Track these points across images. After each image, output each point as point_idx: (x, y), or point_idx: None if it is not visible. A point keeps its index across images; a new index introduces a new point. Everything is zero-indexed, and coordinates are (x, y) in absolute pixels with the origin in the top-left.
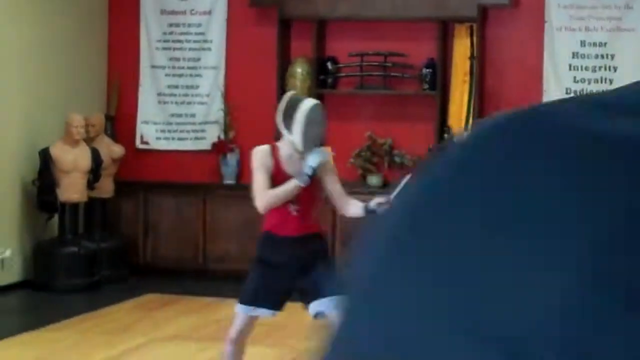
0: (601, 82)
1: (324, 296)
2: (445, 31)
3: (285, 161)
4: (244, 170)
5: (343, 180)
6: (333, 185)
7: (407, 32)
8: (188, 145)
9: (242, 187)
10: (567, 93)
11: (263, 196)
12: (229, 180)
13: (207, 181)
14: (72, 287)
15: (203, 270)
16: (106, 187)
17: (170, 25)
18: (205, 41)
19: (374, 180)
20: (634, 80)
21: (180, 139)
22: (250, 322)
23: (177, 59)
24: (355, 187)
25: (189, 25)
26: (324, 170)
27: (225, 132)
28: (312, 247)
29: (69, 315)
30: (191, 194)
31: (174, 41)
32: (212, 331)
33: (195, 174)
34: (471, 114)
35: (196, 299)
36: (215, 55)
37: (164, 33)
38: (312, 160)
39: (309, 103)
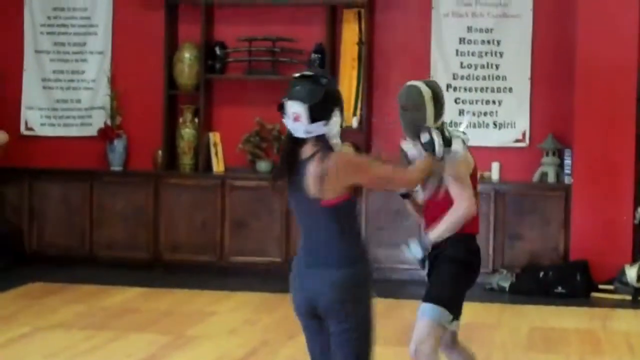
0: (487, 67)
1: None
2: (333, 16)
3: None
4: (131, 156)
5: (231, 166)
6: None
7: (296, 17)
8: (74, 132)
9: (129, 174)
10: (454, 78)
11: None
12: (116, 167)
13: (94, 168)
14: None
15: (90, 258)
16: None
17: (55, 9)
18: (91, 25)
19: (263, 165)
20: (519, 65)
21: (66, 125)
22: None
23: (62, 44)
24: (245, 172)
25: (74, 9)
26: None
27: (112, 118)
28: (435, 252)
29: None
30: (77, 180)
31: (58, 25)
32: (98, 319)
33: (81, 160)
34: (360, 99)
35: (82, 287)
36: (101, 40)
37: (49, 17)
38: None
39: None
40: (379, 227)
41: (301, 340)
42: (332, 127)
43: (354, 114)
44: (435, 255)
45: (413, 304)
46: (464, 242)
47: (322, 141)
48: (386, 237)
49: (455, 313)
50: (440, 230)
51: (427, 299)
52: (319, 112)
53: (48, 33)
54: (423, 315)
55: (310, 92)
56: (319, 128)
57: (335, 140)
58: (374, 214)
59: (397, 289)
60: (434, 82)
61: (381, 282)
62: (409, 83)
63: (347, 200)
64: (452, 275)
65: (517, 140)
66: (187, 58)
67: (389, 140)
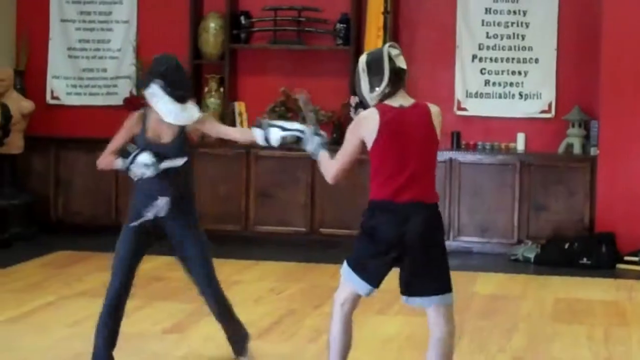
0: (513, 37)
1: None
2: None
3: None
4: None
5: None
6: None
7: None
8: (99, 101)
9: None
10: (480, 49)
11: None
12: None
13: None
14: None
15: (115, 227)
16: (16, 143)
17: None
18: None
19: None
20: (545, 36)
21: (91, 94)
22: None
23: (88, 13)
24: None
25: None
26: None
27: (137, 87)
28: None
29: None
30: (103, 149)
31: None
32: None
33: (107, 129)
34: None
35: (108, 255)
36: (126, 9)
37: None
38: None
39: None
40: None
41: (326, 311)
42: (149, 93)
43: None
44: None
45: None
46: (368, 208)
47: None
48: None
49: (364, 277)
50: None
51: None
52: (142, 85)
53: (74, 2)
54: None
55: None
56: (146, 94)
57: (154, 103)
58: None
59: None
60: (377, 50)
61: None
62: None
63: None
64: (357, 238)
65: (543, 111)
66: (212, 27)
67: None
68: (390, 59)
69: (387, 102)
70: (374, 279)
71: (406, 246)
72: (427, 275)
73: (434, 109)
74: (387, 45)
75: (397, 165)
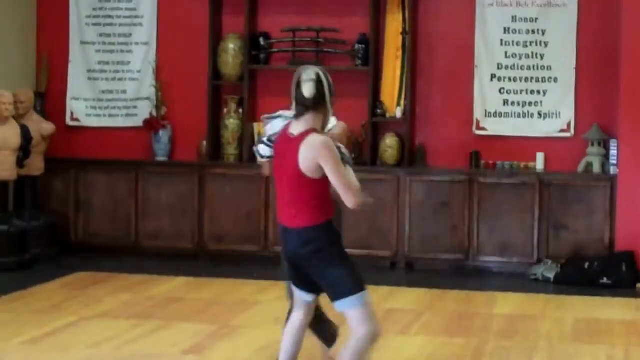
0: (532, 57)
1: None
2: (377, 6)
3: None
4: (176, 147)
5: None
6: None
7: (340, 8)
8: (119, 122)
9: (174, 165)
10: (498, 68)
11: None
12: (161, 157)
13: (139, 158)
14: (2, 266)
15: (136, 248)
16: (36, 165)
17: (101, 0)
18: (136, 17)
19: None
20: (564, 55)
21: (111, 115)
22: None
23: (108, 35)
24: None
25: (120, 0)
26: None
27: (157, 108)
28: None
29: None
30: (123, 171)
31: (104, 16)
32: (144, 309)
33: (127, 151)
34: (404, 89)
35: (128, 277)
36: (146, 31)
37: (94, 8)
38: None
39: None
40: (422, 217)
41: (345, 332)
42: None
43: (398, 104)
44: None
45: (455, 294)
46: None
47: None
48: (428, 228)
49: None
50: None
51: None
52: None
53: (94, 24)
54: None
55: None
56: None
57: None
58: (417, 205)
59: (439, 279)
60: (298, 70)
61: (422, 273)
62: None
63: None
64: None
65: (562, 131)
66: (231, 49)
67: (432, 128)
68: (299, 84)
69: (293, 124)
70: (306, 289)
71: (295, 263)
72: (324, 286)
73: (308, 141)
74: (303, 68)
75: (279, 191)
